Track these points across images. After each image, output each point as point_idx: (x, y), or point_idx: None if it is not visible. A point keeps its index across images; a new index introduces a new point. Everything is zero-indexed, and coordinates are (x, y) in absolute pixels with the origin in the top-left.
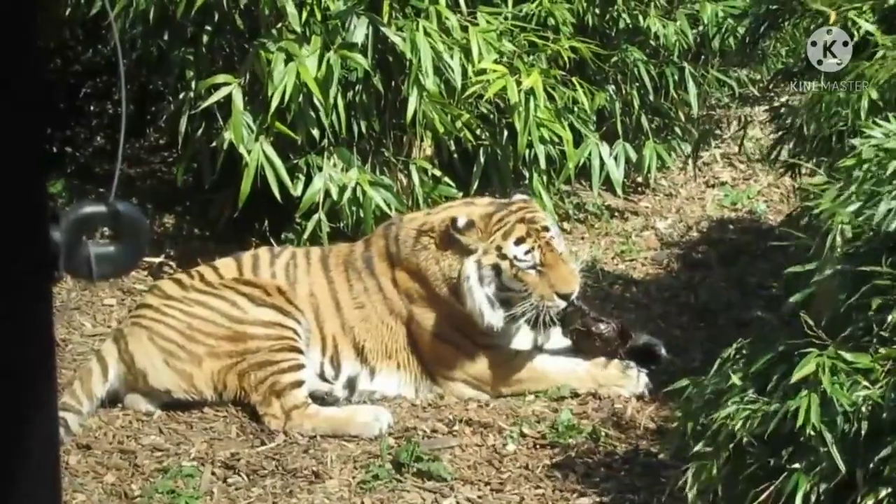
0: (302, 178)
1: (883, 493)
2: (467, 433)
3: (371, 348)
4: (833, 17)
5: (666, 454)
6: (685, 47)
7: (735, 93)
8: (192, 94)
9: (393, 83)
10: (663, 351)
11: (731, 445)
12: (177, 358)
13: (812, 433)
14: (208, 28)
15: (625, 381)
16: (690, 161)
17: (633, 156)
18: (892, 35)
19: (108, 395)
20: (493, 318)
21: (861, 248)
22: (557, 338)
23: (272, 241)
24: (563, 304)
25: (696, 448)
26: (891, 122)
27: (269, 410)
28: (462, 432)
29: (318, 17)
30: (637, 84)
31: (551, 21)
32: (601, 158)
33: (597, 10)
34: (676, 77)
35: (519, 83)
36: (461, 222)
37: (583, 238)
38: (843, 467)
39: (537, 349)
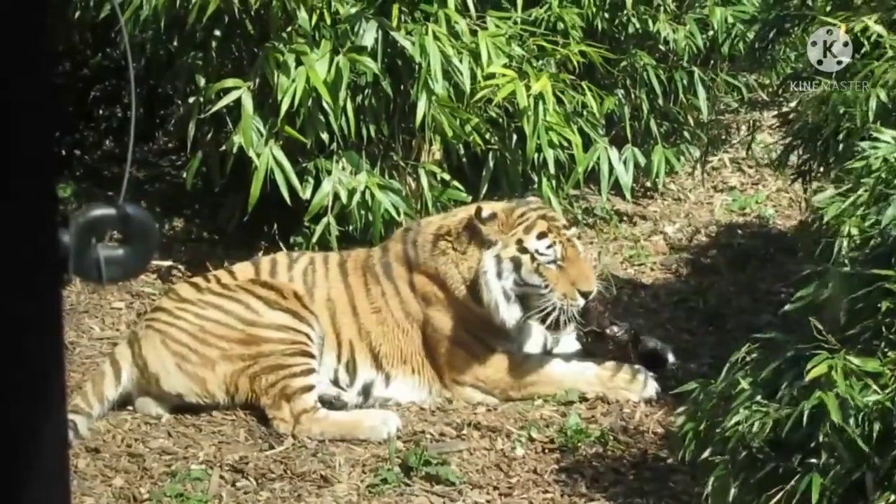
0: (311, 181)
1: (893, 497)
2: (476, 437)
3: (387, 353)
4: (843, 29)
5: (671, 455)
6: (695, 52)
7: (744, 97)
8: (201, 98)
9: (402, 87)
10: (671, 356)
11: (742, 451)
12: (189, 362)
13: (830, 431)
14: (218, 32)
15: (634, 386)
16: (699, 166)
17: (642, 160)
18: None
19: (119, 398)
20: (507, 313)
21: (869, 252)
22: (567, 342)
23: (281, 244)
24: (583, 302)
25: (707, 455)
26: None
27: (278, 414)
28: (470, 436)
29: (328, 21)
30: (646, 88)
31: (560, 25)
32: (610, 163)
33: (606, 15)
34: (686, 81)
35: (528, 87)
36: (485, 213)
37: (591, 242)
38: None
39: (547, 353)
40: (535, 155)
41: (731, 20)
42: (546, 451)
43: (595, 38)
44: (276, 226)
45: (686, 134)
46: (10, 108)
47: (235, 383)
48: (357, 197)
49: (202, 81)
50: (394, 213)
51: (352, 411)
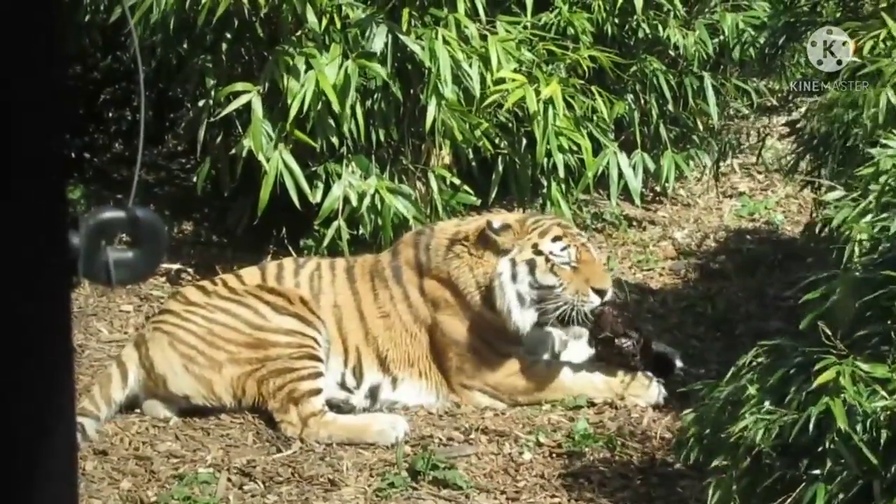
0: (320, 185)
1: None
2: (483, 441)
3: (394, 357)
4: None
5: (680, 462)
6: (705, 57)
7: (753, 103)
8: (211, 102)
9: (412, 91)
10: (679, 361)
11: (749, 457)
12: (197, 364)
13: (836, 437)
14: (228, 35)
15: (641, 392)
16: (711, 174)
17: (652, 165)
18: None
19: (127, 400)
20: (521, 318)
21: (878, 257)
22: (579, 348)
23: (290, 248)
24: (597, 300)
25: (715, 462)
26: None
27: (286, 417)
28: (478, 441)
29: (338, 25)
30: (656, 93)
31: (570, 31)
32: (619, 168)
33: (616, 20)
34: (695, 87)
35: (538, 92)
36: (497, 224)
37: (600, 247)
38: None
39: (555, 358)
40: (545, 159)
41: (741, 26)
42: (553, 455)
43: (605, 44)
44: (284, 229)
45: (695, 139)
46: (11, 108)
47: (243, 386)
48: (367, 201)
49: (212, 85)
50: (405, 216)
51: (360, 415)
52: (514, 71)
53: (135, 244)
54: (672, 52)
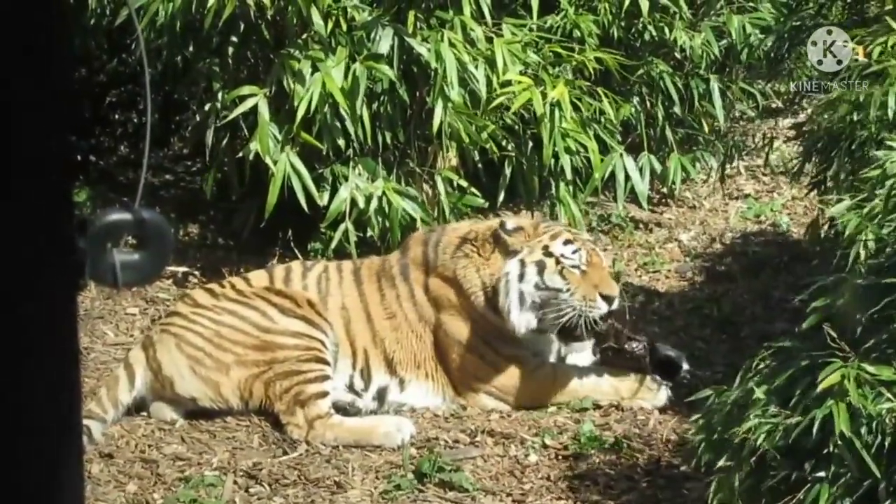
0: (327, 188)
1: None
2: (489, 444)
3: (401, 359)
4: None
5: (685, 462)
6: (711, 59)
7: (759, 105)
8: (217, 105)
9: (417, 94)
10: (685, 364)
11: (754, 458)
12: (204, 366)
13: (840, 441)
14: (234, 38)
15: (647, 394)
16: (717, 176)
17: (658, 167)
18: None
19: (134, 402)
20: (519, 319)
21: (884, 260)
22: (583, 354)
23: (296, 251)
24: (605, 307)
25: (720, 463)
26: None
27: (292, 420)
28: (484, 443)
29: (344, 27)
30: (662, 96)
31: (576, 33)
32: (626, 171)
33: (622, 23)
34: (701, 89)
35: (544, 94)
36: (510, 225)
37: (605, 249)
38: (875, 471)
39: (561, 360)
40: (552, 161)
41: (747, 28)
42: (559, 457)
43: (611, 46)
44: (290, 232)
45: (701, 141)
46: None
47: (250, 388)
48: (374, 203)
49: (218, 88)
50: (413, 217)
51: (366, 417)
52: (521, 73)
53: (141, 246)
54: (678, 55)
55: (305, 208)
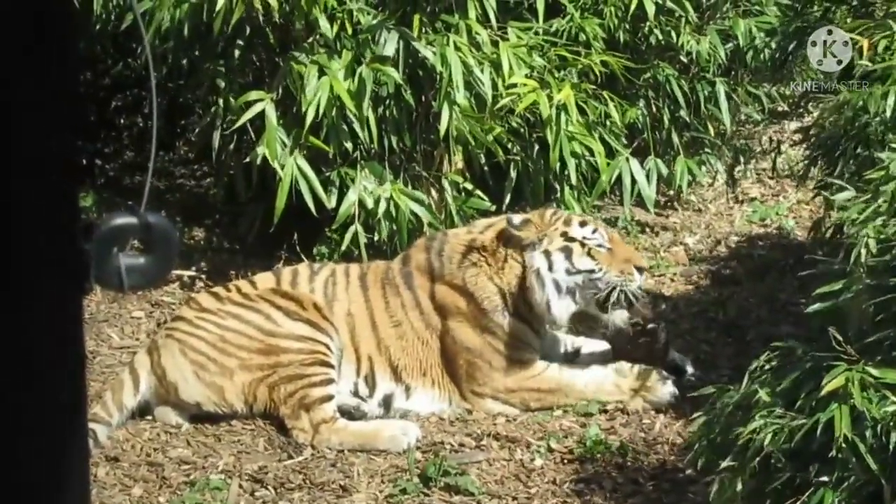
0: (334, 191)
1: None
2: (495, 447)
3: (406, 366)
4: (866, 45)
5: (689, 465)
6: (717, 63)
7: (765, 109)
8: (222, 109)
9: (423, 98)
10: (690, 367)
11: (758, 460)
12: (208, 371)
13: (843, 445)
14: (240, 42)
15: (651, 390)
16: (724, 181)
17: (665, 171)
18: None
19: (138, 407)
20: (558, 308)
21: (889, 262)
22: (594, 344)
23: (302, 255)
24: (640, 278)
25: (724, 464)
26: None
27: (297, 424)
28: (490, 447)
29: (349, 31)
30: (668, 99)
31: (582, 36)
32: (632, 176)
33: (628, 26)
34: (707, 92)
35: (550, 98)
36: (517, 220)
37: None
38: (879, 475)
39: (567, 363)
40: (558, 165)
41: (753, 31)
42: (565, 461)
43: (617, 49)
44: (296, 236)
45: (707, 145)
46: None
47: (254, 393)
48: (383, 205)
49: (224, 92)
50: (421, 220)
51: (371, 421)
52: (526, 77)
53: (147, 250)
54: (684, 58)
55: (314, 211)
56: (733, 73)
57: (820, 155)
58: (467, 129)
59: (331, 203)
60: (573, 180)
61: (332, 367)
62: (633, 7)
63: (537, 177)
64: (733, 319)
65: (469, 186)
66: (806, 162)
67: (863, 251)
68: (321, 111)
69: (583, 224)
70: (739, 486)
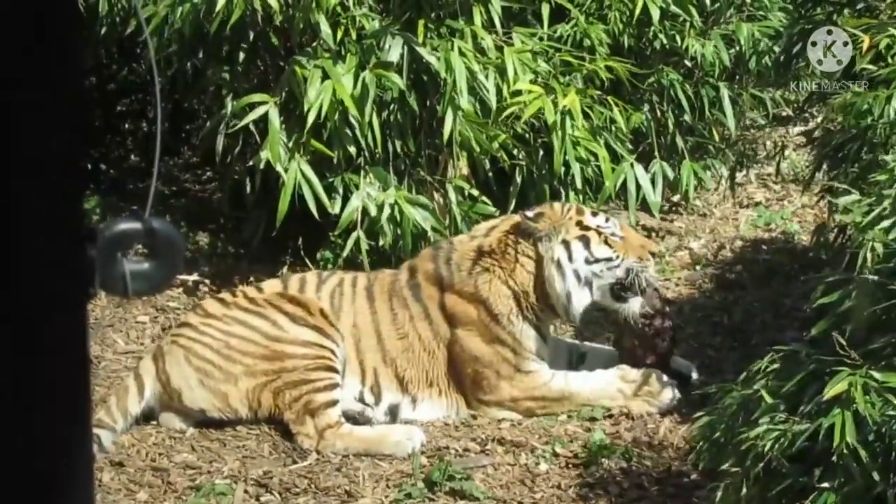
0: (338, 196)
1: None
2: (500, 452)
3: (413, 378)
4: (866, 42)
5: (697, 474)
6: (721, 67)
7: (769, 113)
8: (227, 113)
9: (428, 103)
10: (694, 373)
11: (761, 465)
12: (212, 378)
13: (845, 451)
14: (243, 46)
15: (653, 392)
16: (727, 184)
17: (671, 174)
18: None
19: (143, 412)
20: (577, 299)
21: (893, 265)
22: (598, 350)
23: (306, 260)
24: (653, 263)
25: (725, 466)
26: None
27: (302, 429)
28: (494, 451)
29: (353, 36)
30: (672, 104)
31: (587, 42)
32: (637, 182)
33: (632, 31)
34: (712, 97)
35: (555, 103)
36: (531, 212)
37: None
38: (881, 480)
39: (571, 369)
40: (562, 170)
41: (757, 35)
42: (570, 466)
43: (621, 54)
44: (300, 241)
45: (711, 149)
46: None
47: (258, 398)
48: (386, 211)
49: (228, 96)
50: (424, 227)
51: (376, 426)
52: (531, 82)
53: (151, 255)
54: (688, 63)
55: (316, 216)
56: (737, 77)
57: (825, 157)
58: (471, 134)
59: (334, 208)
60: (578, 185)
61: (336, 372)
62: (637, 12)
63: (542, 182)
64: (738, 324)
65: (474, 192)
66: (810, 166)
67: (868, 255)
68: (323, 114)
69: (594, 214)
70: (744, 491)
